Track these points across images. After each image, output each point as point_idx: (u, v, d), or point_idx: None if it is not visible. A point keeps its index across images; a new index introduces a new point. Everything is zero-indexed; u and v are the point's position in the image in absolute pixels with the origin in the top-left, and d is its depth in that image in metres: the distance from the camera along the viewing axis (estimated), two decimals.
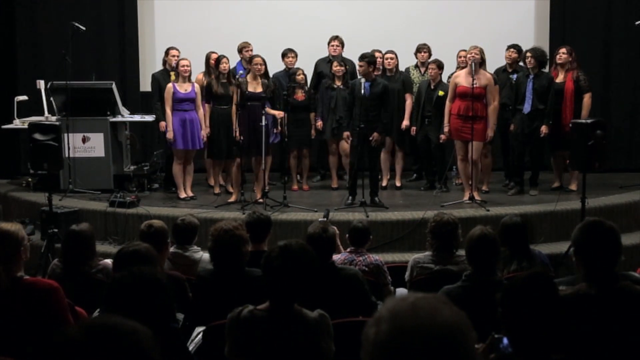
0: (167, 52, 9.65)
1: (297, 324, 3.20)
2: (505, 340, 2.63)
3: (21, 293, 3.71)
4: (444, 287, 4.00)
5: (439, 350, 1.50)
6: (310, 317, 3.25)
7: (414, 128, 9.58)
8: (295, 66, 9.92)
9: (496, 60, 9.65)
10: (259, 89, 8.76)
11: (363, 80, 8.47)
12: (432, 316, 1.53)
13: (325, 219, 6.80)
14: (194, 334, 4.17)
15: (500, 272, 4.63)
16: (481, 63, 8.71)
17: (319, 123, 9.81)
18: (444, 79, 9.56)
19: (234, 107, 8.79)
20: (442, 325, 1.52)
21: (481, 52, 8.66)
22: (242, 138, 8.62)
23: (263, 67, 8.88)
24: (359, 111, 8.50)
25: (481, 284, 3.93)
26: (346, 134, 8.85)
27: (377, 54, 9.80)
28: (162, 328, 2.72)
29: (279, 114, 9.02)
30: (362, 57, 8.61)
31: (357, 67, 8.74)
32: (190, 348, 4.00)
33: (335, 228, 5.22)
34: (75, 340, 1.51)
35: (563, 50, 9.15)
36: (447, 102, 8.79)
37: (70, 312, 4.00)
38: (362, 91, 8.40)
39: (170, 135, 9.02)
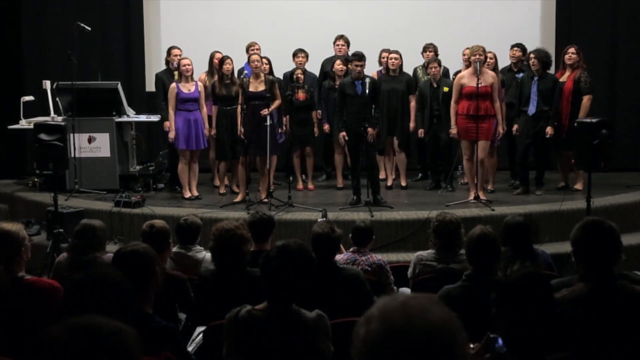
0: (169, 52, 9.67)
1: (295, 324, 3.20)
2: (500, 340, 2.62)
3: (22, 293, 3.73)
4: (444, 287, 3.99)
5: (428, 350, 1.50)
6: (308, 318, 3.24)
7: (421, 130, 9.54)
8: (305, 66, 9.92)
9: (502, 60, 9.61)
10: (261, 88, 8.76)
11: (368, 80, 8.47)
12: (422, 316, 1.53)
13: (324, 218, 6.80)
14: (195, 333, 4.17)
15: (502, 271, 4.62)
16: (485, 61, 8.68)
17: (326, 126, 9.81)
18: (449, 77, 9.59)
19: (239, 107, 8.80)
20: (432, 325, 1.52)
21: (484, 51, 8.63)
22: (244, 138, 8.65)
23: (261, 64, 8.90)
24: (356, 110, 8.50)
25: (481, 284, 3.91)
26: (342, 134, 8.80)
27: (384, 54, 9.82)
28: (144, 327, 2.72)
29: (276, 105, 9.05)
30: (361, 57, 8.60)
31: (355, 67, 8.65)
32: (191, 348, 4.01)
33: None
34: (59, 340, 1.52)
35: (572, 50, 9.07)
36: (452, 104, 8.76)
37: None
38: (365, 90, 8.41)
39: (172, 135, 9.02)
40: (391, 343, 1.50)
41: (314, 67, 10.16)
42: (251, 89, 8.74)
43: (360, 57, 8.62)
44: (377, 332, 1.53)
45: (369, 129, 8.45)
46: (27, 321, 3.61)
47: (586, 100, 8.95)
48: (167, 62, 9.70)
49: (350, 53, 10.00)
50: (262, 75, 8.87)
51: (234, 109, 8.97)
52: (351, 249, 5.62)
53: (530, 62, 8.95)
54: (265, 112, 8.67)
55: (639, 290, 3.13)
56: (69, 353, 1.51)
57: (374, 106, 8.74)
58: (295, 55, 9.97)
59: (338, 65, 9.65)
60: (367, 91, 8.48)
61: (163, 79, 9.54)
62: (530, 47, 9.40)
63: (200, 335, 4.06)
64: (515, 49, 9.52)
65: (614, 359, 3.00)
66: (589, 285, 3.13)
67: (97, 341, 1.53)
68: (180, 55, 9.42)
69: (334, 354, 3.48)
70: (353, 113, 8.57)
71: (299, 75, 9.69)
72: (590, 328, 3.02)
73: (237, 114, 8.84)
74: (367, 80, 8.61)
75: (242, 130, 8.70)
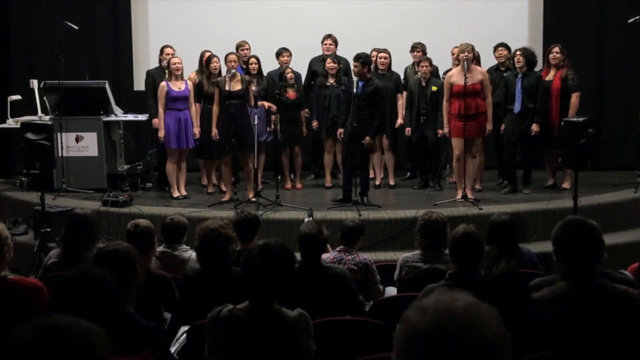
0: (161, 51, 9.65)
1: (276, 323, 3.20)
2: None
3: (4, 292, 3.71)
4: (427, 286, 3.98)
5: None
6: (289, 316, 3.24)
7: (408, 129, 9.56)
8: (290, 65, 9.91)
9: (489, 59, 9.65)
10: (238, 87, 8.73)
11: (356, 79, 8.48)
12: (479, 327, 1.50)
13: (310, 218, 6.80)
14: (179, 333, 4.17)
15: (486, 270, 4.62)
16: (474, 59, 8.69)
17: (315, 123, 9.81)
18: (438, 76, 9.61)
19: (215, 107, 8.78)
20: (485, 339, 1.49)
21: (472, 49, 8.63)
22: (217, 137, 8.70)
23: (237, 64, 8.93)
24: (352, 110, 8.49)
25: (464, 283, 3.91)
26: (340, 131, 8.81)
27: (374, 53, 9.82)
28: (109, 327, 2.71)
29: (270, 105, 9.10)
30: (357, 58, 8.60)
31: (352, 67, 8.70)
32: (175, 347, 4.00)
33: None
34: (24, 340, 1.51)
35: (556, 49, 9.15)
36: (445, 102, 8.76)
37: None
38: (355, 90, 8.41)
39: (161, 134, 9.00)
40: (439, 341, 1.47)
41: (301, 65, 10.13)
42: (227, 88, 8.69)
43: (355, 57, 8.63)
44: (429, 325, 1.49)
45: (367, 139, 8.47)
46: (9, 321, 3.59)
47: (575, 97, 9.02)
48: (160, 61, 9.68)
49: (338, 52, 10.05)
50: (238, 74, 8.84)
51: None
52: (338, 248, 5.63)
53: (516, 59, 8.99)
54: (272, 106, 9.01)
55: (620, 289, 3.14)
56: (35, 353, 1.50)
57: (376, 112, 8.69)
58: (280, 54, 9.97)
59: (329, 64, 9.65)
60: (360, 92, 8.46)
61: (154, 77, 9.52)
62: (517, 47, 9.41)
63: (184, 335, 4.05)
64: (500, 48, 9.53)
65: (595, 358, 3.00)
66: (570, 284, 3.13)
67: (63, 341, 1.52)
68: (172, 54, 9.40)
69: (318, 352, 3.47)
70: (350, 112, 8.55)
71: (289, 74, 9.68)
72: (571, 327, 3.02)
73: (213, 114, 8.82)
74: (371, 83, 8.59)
75: (216, 131, 8.71)
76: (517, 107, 8.89)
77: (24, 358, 1.50)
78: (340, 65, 9.67)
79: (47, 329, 1.54)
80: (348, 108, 8.70)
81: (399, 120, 9.68)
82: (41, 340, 1.52)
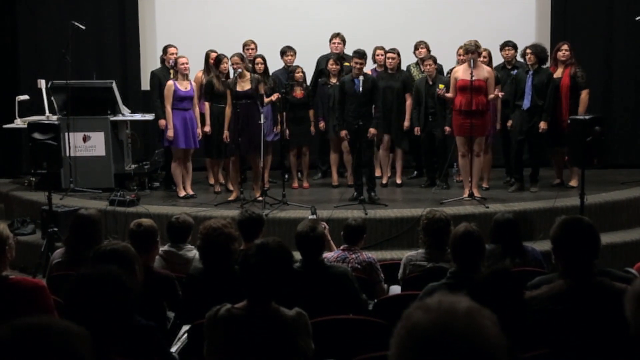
0: (165, 50, 9.64)
1: (274, 322, 3.19)
2: None
3: (6, 292, 3.72)
4: (428, 285, 3.98)
5: None
6: (287, 316, 3.24)
7: (417, 128, 9.53)
8: (295, 64, 9.91)
9: (497, 58, 9.62)
10: (247, 87, 8.73)
11: (361, 77, 8.47)
12: (479, 330, 1.53)
13: (313, 216, 6.79)
14: (181, 332, 4.17)
15: (486, 269, 4.61)
16: (479, 56, 8.67)
17: (322, 124, 9.80)
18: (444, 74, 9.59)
19: (227, 108, 8.77)
20: (484, 342, 1.52)
21: (478, 46, 8.60)
22: (228, 139, 8.68)
23: (242, 64, 8.86)
24: (353, 108, 8.50)
25: (465, 281, 3.90)
26: (343, 132, 8.81)
27: (379, 51, 9.82)
28: (124, 326, 2.72)
29: (275, 96, 9.07)
30: (362, 55, 8.61)
31: (355, 64, 8.66)
32: (177, 347, 4.01)
33: (325, 224, 5.22)
34: (4, 340, 1.51)
35: (565, 46, 9.10)
36: (450, 94, 8.75)
37: (59, 310, 4.01)
38: (359, 88, 8.41)
39: (170, 133, 8.99)
40: (440, 339, 1.50)
41: (307, 65, 10.12)
42: (238, 88, 8.70)
43: (361, 54, 8.62)
44: (432, 322, 1.52)
45: (371, 129, 8.48)
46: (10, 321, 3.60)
47: (585, 94, 8.98)
48: (163, 60, 9.69)
49: (345, 51, 10.04)
50: (247, 74, 8.83)
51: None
52: (342, 247, 5.62)
53: (527, 57, 8.94)
54: (274, 97, 9.01)
55: (619, 287, 3.12)
56: (15, 353, 1.50)
57: (374, 105, 8.73)
58: (284, 53, 9.97)
59: (331, 65, 9.64)
60: (361, 89, 8.47)
61: (159, 77, 9.51)
62: (525, 45, 9.37)
63: (186, 334, 4.06)
64: (507, 47, 9.48)
65: (592, 356, 2.99)
66: (568, 282, 3.13)
67: (43, 341, 1.53)
68: (176, 54, 9.40)
69: (321, 351, 3.47)
70: (351, 111, 8.57)
71: (299, 73, 9.68)
72: (569, 325, 3.02)
73: (226, 114, 8.81)
74: (367, 78, 8.59)
75: (227, 133, 8.71)
76: (526, 103, 8.84)
77: (3, 358, 1.50)
78: (344, 65, 9.65)
79: (27, 329, 1.55)
80: (342, 108, 8.70)
81: (406, 122, 9.64)
82: (21, 340, 1.52)
